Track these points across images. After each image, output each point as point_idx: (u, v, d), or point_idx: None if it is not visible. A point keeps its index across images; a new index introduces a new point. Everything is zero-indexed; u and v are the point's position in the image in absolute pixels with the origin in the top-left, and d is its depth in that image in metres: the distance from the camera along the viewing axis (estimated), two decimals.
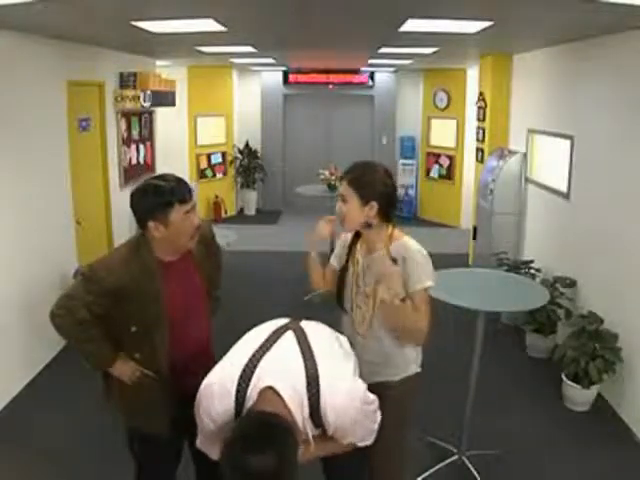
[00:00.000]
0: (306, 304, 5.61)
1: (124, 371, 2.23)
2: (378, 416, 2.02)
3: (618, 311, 3.97)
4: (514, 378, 4.51)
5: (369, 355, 2.31)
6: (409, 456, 2.53)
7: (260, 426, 1.55)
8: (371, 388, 2.08)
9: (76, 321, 2.13)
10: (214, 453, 1.94)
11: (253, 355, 1.84)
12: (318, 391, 1.79)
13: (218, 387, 1.81)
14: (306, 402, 1.78)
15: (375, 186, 2.24)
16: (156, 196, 2.09)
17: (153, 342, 2.18)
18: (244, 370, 1.81)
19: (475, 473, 3.25)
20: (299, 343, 1.91)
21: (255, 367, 1.81)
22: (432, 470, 3.27)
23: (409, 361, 2.38)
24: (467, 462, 3.32)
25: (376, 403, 2.01)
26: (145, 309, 2.14)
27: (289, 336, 1.94)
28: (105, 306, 2.14)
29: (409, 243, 2.29)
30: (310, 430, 1.82)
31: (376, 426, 2.02)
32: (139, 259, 2.16)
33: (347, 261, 2.41)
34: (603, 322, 4.01)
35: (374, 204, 2.23)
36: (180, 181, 2.16)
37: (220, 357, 1.98)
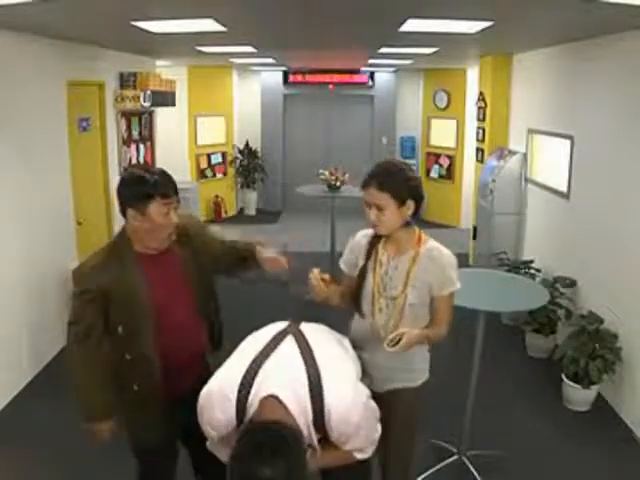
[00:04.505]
0: (306, 303, 5.60)
1: (103, 431, 2.24)
2: (379, 427, 2.01)
3: (618, 311, 3.97)
4: (514, 378, 4.51)
5: (390, 360, 2.22)
6: (417, 458, 2.53)
7: (268, 436, 1.52)
8: (387, 396, 2.08)
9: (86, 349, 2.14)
10: (222, 456, 1.93)
11: (253, 361, 1.82)
12: (321, 397, 1.78)
13: (218, 395, 1.80)
14: (309, 408, 1.77)
15: (404, 184, 2.12)
16: (138, 186, 2.08)
17: (140, 341, 2.15)
18: (244, 377, 1.79)
19: (475, 473, 3.25)
20: (300, 348, 1.89)
21: (256, 374, 1.79)
22: (432, 470, 3.27)
23: (426, 365, 2.37)
24: (467, 462, 3.32)
25: (378, 413, 1.98)
26: (130, 307, 2.12)
27: (289, 341, 1.92)
28: (101, 311, 2.13)
29: (440, 247, 2.23)
30: (314, 436, 1.81)
31: (377, 436, 2.00)
32: (117, 256, 2.16)
33: (366, 263, 2.29)
34: (603, 322, 4.01)
35: (411, 203, 2.13)
36: (166, 176, 2.14)
37: (220, 359, 1.98)
